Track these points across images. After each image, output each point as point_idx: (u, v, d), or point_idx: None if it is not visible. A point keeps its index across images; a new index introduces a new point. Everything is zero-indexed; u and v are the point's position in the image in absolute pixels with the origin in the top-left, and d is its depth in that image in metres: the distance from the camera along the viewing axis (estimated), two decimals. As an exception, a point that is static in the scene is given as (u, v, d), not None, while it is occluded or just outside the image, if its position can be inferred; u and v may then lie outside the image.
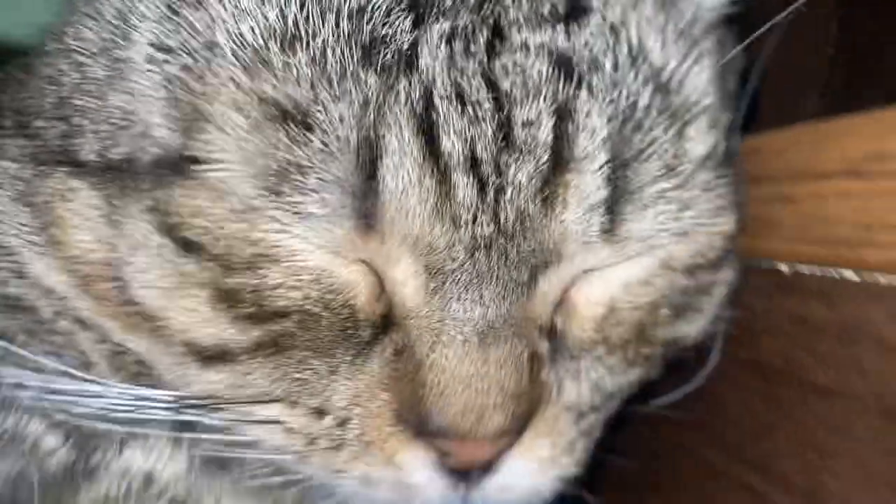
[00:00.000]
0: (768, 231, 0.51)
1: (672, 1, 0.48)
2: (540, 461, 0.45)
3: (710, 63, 0.48)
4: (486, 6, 0.42)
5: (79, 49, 0.45)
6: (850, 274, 0.44)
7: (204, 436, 0.47)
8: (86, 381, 0.47)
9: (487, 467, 0.44)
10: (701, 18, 0.50)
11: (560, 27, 0.43)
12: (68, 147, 0.45)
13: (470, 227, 0.41)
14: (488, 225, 0.41)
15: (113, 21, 0.45)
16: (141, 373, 0.48)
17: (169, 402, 0.46)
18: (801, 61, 0.85)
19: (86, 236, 0.45)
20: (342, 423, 0.44)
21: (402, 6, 0.41)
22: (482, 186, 0.41)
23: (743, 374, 0.53)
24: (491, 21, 0.42)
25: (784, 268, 0.50)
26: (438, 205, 0.41)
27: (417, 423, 0.42)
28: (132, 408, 0.46)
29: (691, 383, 0.53)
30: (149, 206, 0.42)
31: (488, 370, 0.42)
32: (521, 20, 0.42)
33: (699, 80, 0.47)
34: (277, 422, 0.45)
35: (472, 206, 0.41)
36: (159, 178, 0.42)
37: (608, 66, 0.43)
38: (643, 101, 0.43)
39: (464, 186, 0.41)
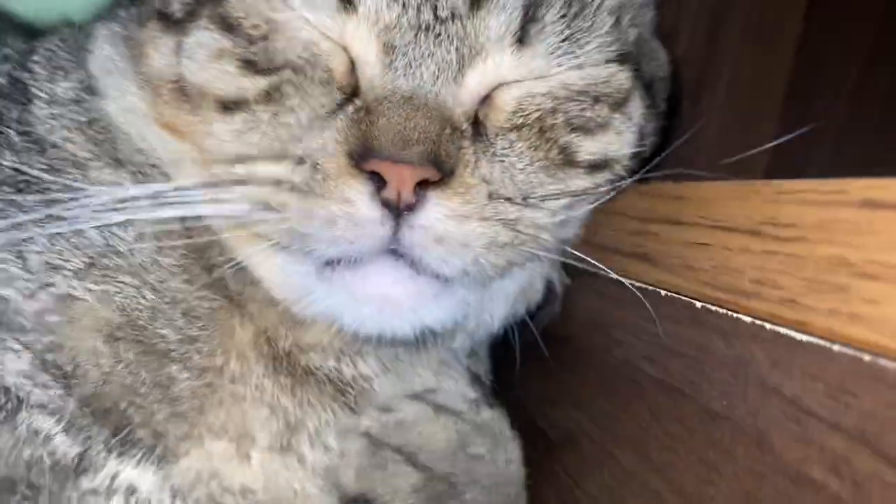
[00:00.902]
0: (686, 271, 0.59)
1: None
2: (455, 212, 0.57)
3: None
4: None
5: None
6: (744, 318, 0.51)
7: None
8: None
9: (412, 207, 0.55)
10: None
11: None
12: (162, 7, 0.66)
13: (415, 11, 0.58)
14: (428, 13, 0.58)
15: None
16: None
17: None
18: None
19: (161, 62, 0.65)
20: (314, 166, 0.57)
21: None
22: None
23: (653, 389, 0.61)
24: None
25: (697, 304, 0.57)
26: None
27: (361, 151, 0.56)
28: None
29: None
30: (208, 14, 0.62)
31: (417, 118, 0.56)
32: None
33: None
34: (271, 182, 0.58)
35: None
36: None
37: None
38: None
39: None
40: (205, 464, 0.64)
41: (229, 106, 0.61)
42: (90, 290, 0.62)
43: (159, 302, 0.63)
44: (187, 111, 0.63)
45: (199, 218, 0.64)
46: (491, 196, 0.59)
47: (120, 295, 0.62)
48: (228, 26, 0.62)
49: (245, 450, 0.66)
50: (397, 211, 0.55)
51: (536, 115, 0.62)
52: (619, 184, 0.70)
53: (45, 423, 0.57)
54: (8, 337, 0.59)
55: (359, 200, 0.55)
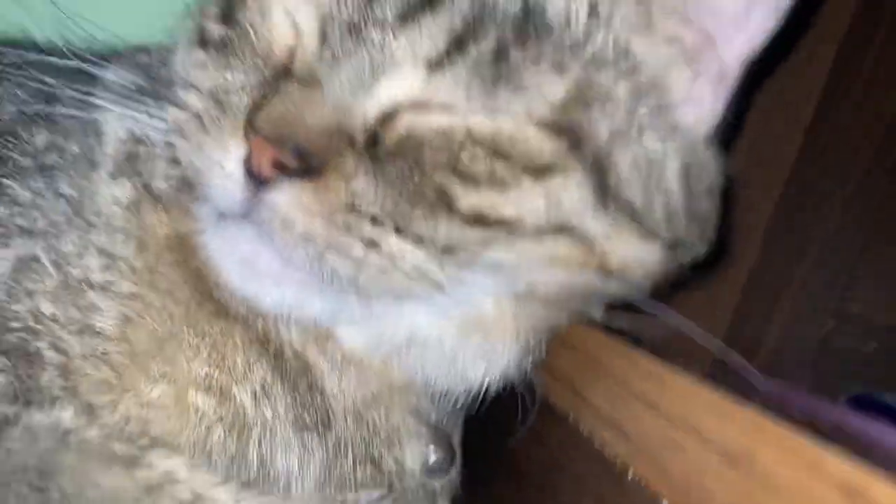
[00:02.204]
0: (656, 467, 0.58)
1: None
2: (302, 204, 0.58)
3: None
4: None
5: None
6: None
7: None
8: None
9: (266, 181, 0.58)
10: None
11: None
12: None
13: (347, 8, 0.60)
14: (358, 14, 0.60)
15: None
16: None
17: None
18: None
19: None
20: (221, 106, 0.62)
21: None
22: None
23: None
24: None
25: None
26: None
27: (251, 112, 0.60)
28: None
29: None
30: None
31: (304, 106, 0.59)
32: None
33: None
34: (192, 112, 0.63)
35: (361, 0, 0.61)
36: None
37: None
38: (514, 19, 0.61)
39: None
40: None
41: (203, 40, 0.68)
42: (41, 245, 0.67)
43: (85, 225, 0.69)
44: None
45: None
46: (351, 207, 0.59)
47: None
48: None
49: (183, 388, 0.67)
50: (257, 182, 0.59)
51: (422, 147, 0.61)
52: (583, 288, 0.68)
53: None
54: None
55: (233, 156, 0.60)
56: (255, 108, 0.60)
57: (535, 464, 0.77)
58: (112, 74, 0.73)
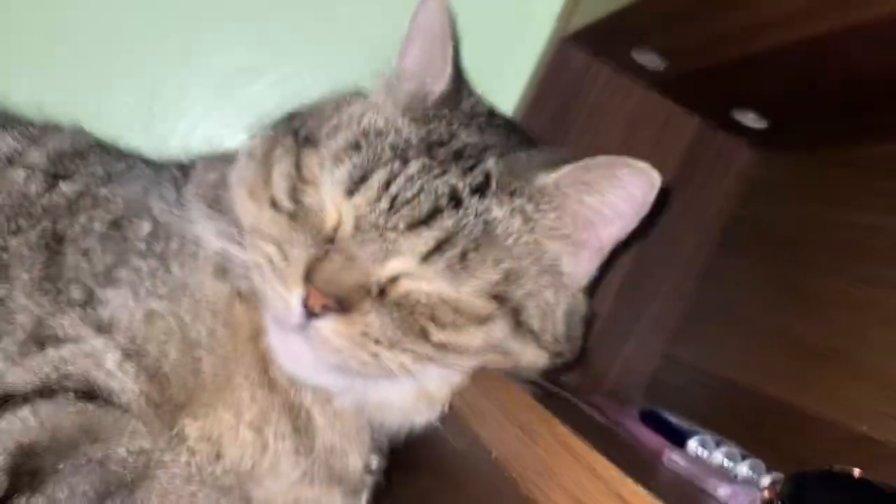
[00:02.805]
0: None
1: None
2: (336, 330, 0.86)
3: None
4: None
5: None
6: None
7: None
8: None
9: (317, 315, 0.85)
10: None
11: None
12: (294, 129, 0.99)
13: (376, 216, 0.88)
14: (383, 220, 0.88)
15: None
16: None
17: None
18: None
19: (262, 163, 0.98)
20: (286, 258, 0.90)
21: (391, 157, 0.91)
22: (391, 208, 0.88)
23: None
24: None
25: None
26: (374, 201, 0.89)
27: (307, 271, 0.87)
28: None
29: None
30: (294, 154, 0.95)
31: (344, 272, 0.87)
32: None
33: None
34: (267, 256, 0.89)
35: (384, 211, 0.88)
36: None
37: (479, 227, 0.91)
38: (475, 235, 0.91)
39: (384, 200, 0.89)
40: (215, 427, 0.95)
41: (274, 204, 0.93)
42: (164, 306, 0.94)
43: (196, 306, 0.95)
44: (261, 193, 0.95)
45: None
46: (364, 334, 0.89)
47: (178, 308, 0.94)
48: (298, 166, 0.95)
49: (239, 424, 0.96)
50: (309, 313, 0.88)
51: (413, 302, 0.92)
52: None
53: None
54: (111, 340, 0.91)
55: (294, 296, 0.89)
56: (312, 265, 0.87)
57: (441, 460, 1.03)
58: (194, 202, 0.98)
